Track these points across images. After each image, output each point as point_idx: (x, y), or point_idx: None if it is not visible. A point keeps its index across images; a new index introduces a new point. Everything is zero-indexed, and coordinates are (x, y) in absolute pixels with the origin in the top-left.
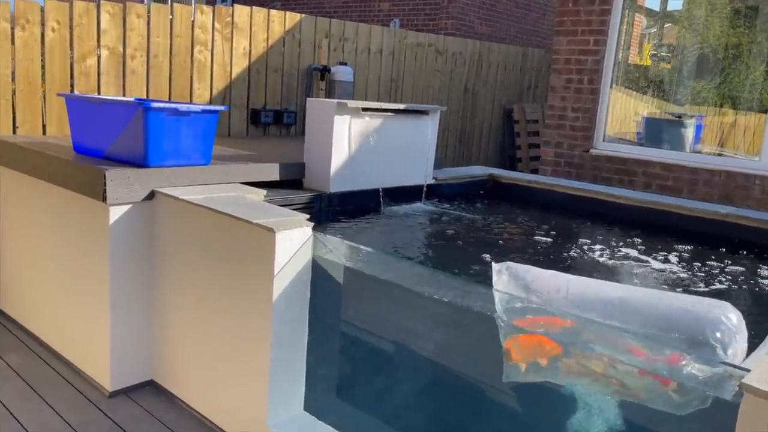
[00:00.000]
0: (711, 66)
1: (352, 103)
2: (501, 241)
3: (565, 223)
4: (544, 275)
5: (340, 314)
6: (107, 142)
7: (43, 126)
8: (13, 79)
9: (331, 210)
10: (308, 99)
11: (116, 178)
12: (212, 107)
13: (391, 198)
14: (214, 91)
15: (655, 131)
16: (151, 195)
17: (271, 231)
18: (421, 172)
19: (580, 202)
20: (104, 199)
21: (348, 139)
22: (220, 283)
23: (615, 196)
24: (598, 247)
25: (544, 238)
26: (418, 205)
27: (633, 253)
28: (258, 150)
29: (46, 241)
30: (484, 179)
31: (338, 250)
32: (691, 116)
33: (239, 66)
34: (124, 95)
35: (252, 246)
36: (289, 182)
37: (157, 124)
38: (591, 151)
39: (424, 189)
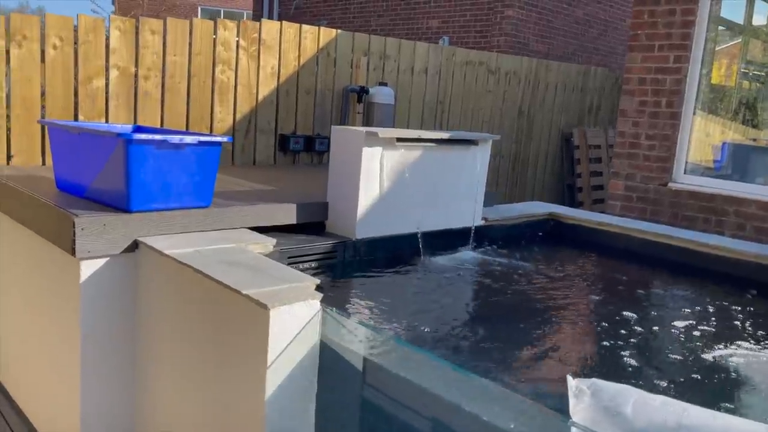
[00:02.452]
0: None
1: (384, 133)
2: (565, 309)
3: (646, 279)
4: (647, 402)
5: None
6: (88, 178)
7: (42, 155)
8: (8, 104)
9: (357, 261)
10: (333, 128)
11: (88, 226)
12: (212, 138)
13: (433, 244)
14: (238, 115)
15: (739, 160)
16: (134, 245)
17: (263, 307)
18: (469, 212)
19: (665, 252)
20: (73, 252)
21: (379, 175)
22: (206, 366)
23: (715, 247)
24: (689, 320)
25: (621, 306)
26: (465, 254)
27: (746, 332)
28: (280, 183)
29: (23, 294)
30: (544, 219)
31: (353, 335)
32: None
33: (267, 87)
34: (135, 121)
35: (241, 323)
36: (310, 226)
37: (141, 159)
38: (670, 185)
39: (472, 233)
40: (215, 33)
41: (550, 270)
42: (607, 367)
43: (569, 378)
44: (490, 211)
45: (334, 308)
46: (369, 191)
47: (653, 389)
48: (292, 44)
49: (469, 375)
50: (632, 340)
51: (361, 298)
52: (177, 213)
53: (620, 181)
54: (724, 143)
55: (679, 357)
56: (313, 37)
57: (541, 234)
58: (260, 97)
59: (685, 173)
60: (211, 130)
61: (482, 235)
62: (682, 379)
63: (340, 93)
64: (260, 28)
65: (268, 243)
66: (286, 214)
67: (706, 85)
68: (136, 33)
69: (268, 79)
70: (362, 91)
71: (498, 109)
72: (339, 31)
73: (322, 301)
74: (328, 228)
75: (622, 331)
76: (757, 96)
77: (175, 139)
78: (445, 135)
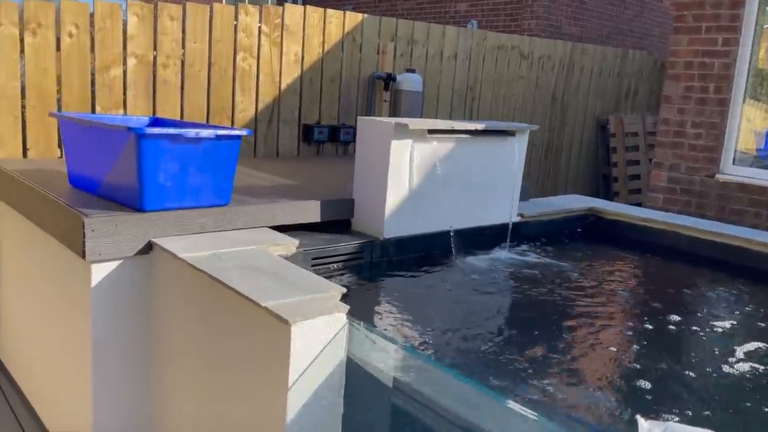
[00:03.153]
0: None
1: (415, 124)
2: (610, 319)
3: (696, 282)
4: None
5: None
6: (100, 174)
7: (60, 148)
8: (23, 95)
9: (385, 262)
10: (359, 119)
11: (99, 226)
12: (230, 131)
13: (466, 242)
14: (260, 105)
15: None
16: (149, 247)
17: (285, 322)
18: (505, 208)
19: (716, 251)
20: (83, 255)
21: (409, 170)
22: (223, 381)
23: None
24: (746, 331)
25: (670, 314)
26: (500, 253)
27: None
28: (303, 177)
29: (38, 296)
30: (583, 214)
31: (384, 351)
32: None
33: (290, 75)
34: (154, 111)
35: (261, 337)
36: (336, 224)
37: (154, 155)
38: (717, 176)
39: (509, 230)
40: (236, 19)
41: (591, 272)
42: (659, 394)
43: (640, 420)
44: (526, 206)
45: (362, 322)
46: (398, 187)
47: (712, 419)
48: (316, 30)
49: (509, 404)
50: (685, 357)
51: (388, 303)
52: (194, 212)
53: (663, 172)
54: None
55: (738, 376)
56: (339, 22)
57: (580, 230)
58: (283, 85)
59: (734, 164)
60: (232, 121)
61: (518, 232)
62: (741, 406)
63: (367, 80)
64: (283, 13)
65: (291, 244)
66: (310, 212)
67: (756, 69)
68: (155, 19)
69: (292, 67)
70: (389, 78)
71: (530, 96)
72: (365, 15)
73: (348, 313)
74: (354, 226)
75: (674, 346)
76: None
77: (191, 133)
78: (480, 126)
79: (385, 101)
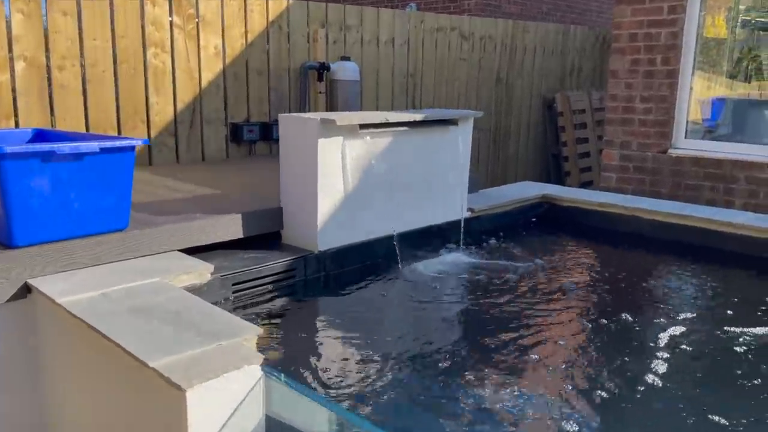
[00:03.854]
0: None
1: (343, 119)
2: (570, 324)
3: (661, 272)
4: None
5: None
6: None
7: None
8: None
9: (322, 278)
10: (280, 116)
11: None
12: (119, 142)
13: (414, 246)
14: (179, 105)
15: (744, 118)
16: (26, 290)
17: (178, 388)
18: (453, 204)
19: (680, 234)
20: None
21: (342, 171)
22: None
23: (741, 226)
24: (717, 322)
25: (630, 314)
26: (452, 256)
27: None
28: (229, 184)
29: None
30: (537, 202)
31: (311, 410)
32: None
33: (211, 70)
34: (52, 121)
35: (153, 404)
36: (264, 238)
37: (22, 177)
38: (670, 151)
39: (462, 228)
40: (142, 11)
41: (547, 269)
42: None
43: None
44: (476, 199)
45: (282, 375)
46: (330, 192)
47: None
48: (236, 19)
49: None
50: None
51: (324, 332)
52: (82, 242)
53: (614, 151)
54: (720, 99)
55: (714, 368)
56: (261, 9)
57: (534, 220)
58: (204, 82)
59: (686, 138)
60: (148, 125)
61: (470, 229)
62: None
63: (298, 71)
64: (197, 3)
65: (204, 270)
66: (230, 227)
67: (703, 38)
68: (44, 16)
69: (212, 61)
70: (323, 68)
71: (474, 79)
72: (291, 1)
73: (268, 359)
74: (285, 239)
75: (637, 353)
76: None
77: (65, 148)
78: (418, 116)
79: (320, 93)
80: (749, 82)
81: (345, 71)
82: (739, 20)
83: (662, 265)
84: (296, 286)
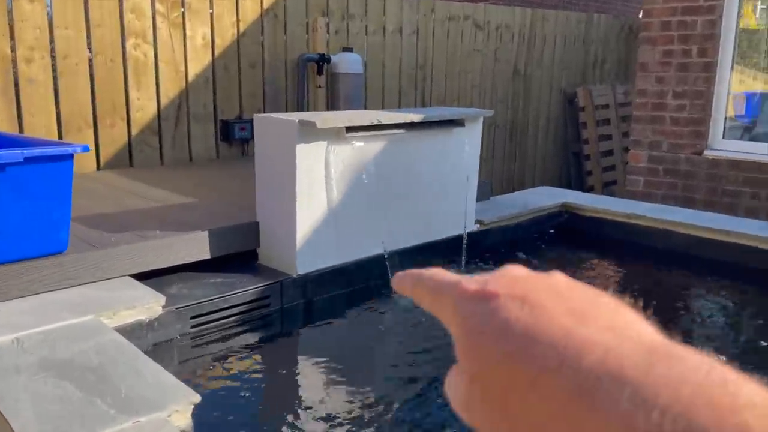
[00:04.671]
0: None
1: (326, 121)
2: None
3: (704, 297)
4: None
5: None
6: None
7: None
8: None
9: (302, 306)
10: (255, 117)
11: None
12: (50, 150)
13: (410, 267)
14: (163, 100)
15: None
16: None
17: None
18: (457, 216)
19: (719, 252)
20: None
21: (326, 181)
22: None
23: None
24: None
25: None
26: None
27: None
28: (210, 190)
29: None
30: (556, 212)
31: None
32: None
33: (199, 62)
34: (19, 118)
35: None
36: (239, 257)
37: None
38: (706, 153)
39: (464, 244)
40: None
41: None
42: None
43: None
44: (485, 209)
45: None
46: (312, 205)
47: None
48: (227, 7)
49: None
50: None
51: (303, 374)
52: (5, 270)
53: (642, 151)
54: (755, 94)
55: None
56: None
57: (552, 232)
58: (191, 75)
59: (724, 138)
60: (128, 122)
61: (477, 245)
62: None
63: (296, 64)
64: None
65: (154, 302)
66: (194, 248)
67: (744, 26)
68: (9, 4)
69: (200, 53)
70: (323, 60)
71: (489, 71)
72: None
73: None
74: (261, 259)
75: None
76: None
77: None
78: (416, 117)
79: (319, 87)
80: None
81: (347, 63)
82: None
83: (699, 290)
84: (271, 317)
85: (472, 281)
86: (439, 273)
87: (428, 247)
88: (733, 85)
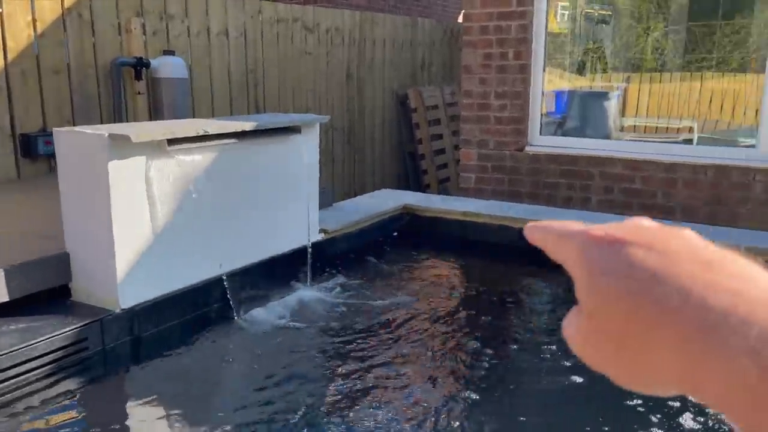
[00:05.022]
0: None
1: (141, 134)
2: (438, 371)
3: (535, 290)
4: None
5: None
6: None
7: None
8: None
9: (129, 344)
10: (54, 131)
11: None
12: None
13: (251, 287)
14: None
15: (581, 110)
16: None
17: None
18: (300, 227)
19: None
20: None
21: (149, 200)
22: None
23: None
24: None
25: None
26: (300, 294)
27: None
28: (3, 218)
29: None
30: (397, 215)
31: None
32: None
33: None
34: None
35: None
36: (51, 292)
37: None
38: (527, 149)
39: (309, 257)
40: None
41: (412, 298)
42: None
43: None
44: (329, 217)
45: None
46: (133, 229)
47: None
48: (20, 5)
49: None
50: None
51: (133, 423)
52: None
53: (472, 150)
54: (564, 92)
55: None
56: None
57: (395, 234)
58: None
59: (541, 134)
60: None
61: (322, 255)
62: None
63: (109, 69)
64: None
65: None
66: None
67: (551, 30)
68: None
69: None
70: (140, 64)
71: (322, 75)
72: None
73: None
74: (76, 295)
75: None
76: (599, 37)
77: None
78: (248, 125)
79: (139, 93)
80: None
81: (169, 68)
82: (582, 14)
83: (534, 279)
84: (91, 362)
85: (598, 228)
86: (567, 223)
87: (272, 262)
88: (545, 85)
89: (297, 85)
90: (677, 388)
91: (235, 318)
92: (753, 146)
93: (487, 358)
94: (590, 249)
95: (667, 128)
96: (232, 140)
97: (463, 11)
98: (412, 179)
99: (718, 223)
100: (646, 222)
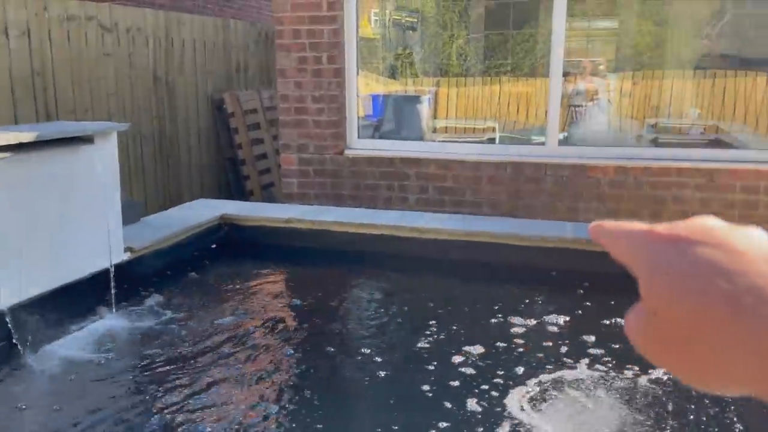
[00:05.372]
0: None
1: None
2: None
3: (357, 290)
4: None
5: None
6: None
7: None
8: None
9: None
10: None
11: None
12: None
13: (43, 319)
14: None
15: (396, 113)
16: None
17: None
18: (99, 248)
19: (374, 244)
20: None
21: None
22: None
23: (425, 230)
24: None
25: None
26: (102, 324)
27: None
28: None
29: None
30: (215, 226)
31: None
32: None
33: None
34: None
35: None
36: None
37: None
38: (346, 152)
39: (112, 280)
40: None
41: (235, 313)
42: None
43: None
44: (136, 233)
45: None
46: None
47: None
48: None
49: None
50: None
51: None
52: None
53: (292, 155)
54: (380, 95)
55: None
56: None
57: (214, 247)
58: None
59: (359, 137)
60: None
61: (129, 277)
62: None
63: None
64: None
65: None
66: None
67: (359, 36)
68: None
69: None
70: None
71: (126, 77)
72: None
73: None
74: None
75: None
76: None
77: None
78: (27, 135)
79: None
80: (405, 79)
81: None
82: (390, 20)
83: (359, 280)
84: None
85: (663, 227)
86: (630, 223)
87: (67, 289)
88: (361, 89)
89: (96, 89)
90: (752, 389)
91: (25, 357)
92: (543, 143)
93: (314, 371)
94: (655, 247)
95: (474, 129)
96: (7, 154)
97: (274, 14)
98: (234, 187)
99: (518, 215)
100: (711, 220)
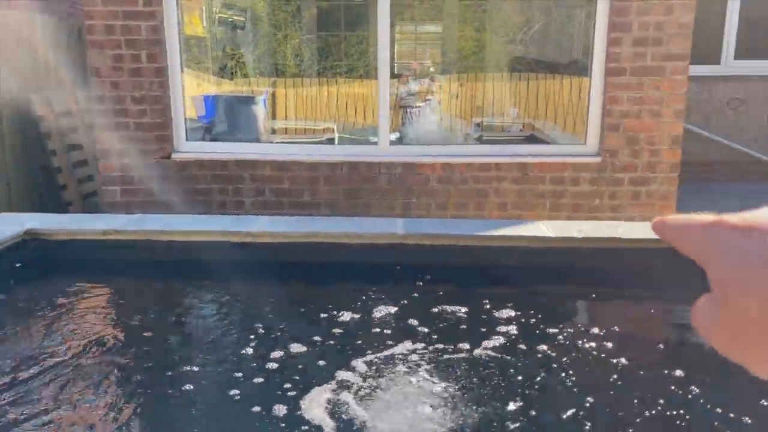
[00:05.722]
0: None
1: None
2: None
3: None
4: None
5: None
6: None
7: None
8: None
9: None
10: None
11: None
12: None
13: None
14: None
15: (228, 114)
16: None
17: None
18: None
19: (200, 252)
20: None
21: None
22: None
23: (259, 234)
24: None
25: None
26: None
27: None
28: None
29: None
30: (19, 242)
31: None
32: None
33: None
34: None
35: None
36: None
37: None
38: (173, 156)
39: None
40: None
41: (43, 340)
42: None
43: None
44: None
45: None
46: None
47: None
48: None
49: None
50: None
51: None
52: None
53: (113, 161)
54: (211, 96)
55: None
56: None
57: (19, 266)
58: None
59: (188, 140)
60: None
61: None
62: None
63: None
64: None
65: None
66: None
67: (185, 34)
68: None
69: None
70: None
71: None
72: None
73: None
74: None
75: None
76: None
77: None
78: None
79: None
80: (232, 79)
81: None
82: (216, 18)
83: (186, 291)
84: None
85: (734, 217)
86: (691, 216)
87: None
88: (191, 89)
89: None
90: None
91: None
92: (375, 143)
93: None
94: (728, 237)
95: (314, 130)
96: None
97: (84, 8)
98: (50, 198)
99: (356, 214)
100: None
